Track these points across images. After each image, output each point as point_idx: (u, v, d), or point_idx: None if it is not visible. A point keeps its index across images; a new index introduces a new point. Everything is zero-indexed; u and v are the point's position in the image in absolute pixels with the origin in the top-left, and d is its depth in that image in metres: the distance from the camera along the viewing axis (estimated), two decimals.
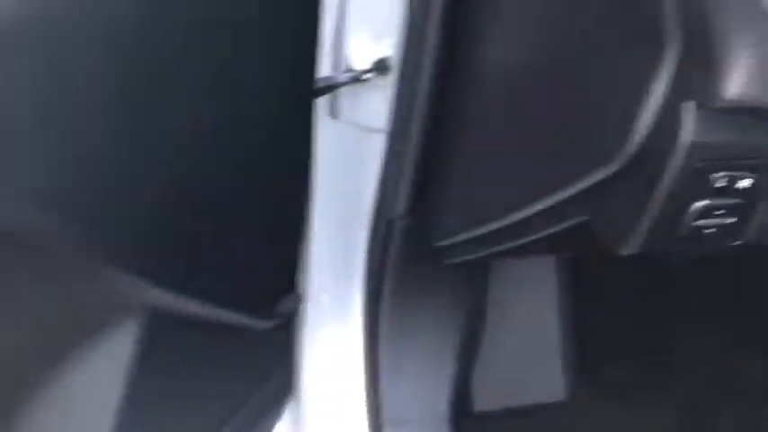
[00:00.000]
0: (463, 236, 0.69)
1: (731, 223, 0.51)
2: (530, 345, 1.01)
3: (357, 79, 0.68)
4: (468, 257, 0.70)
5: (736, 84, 0.42)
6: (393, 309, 0.80)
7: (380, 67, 0.69)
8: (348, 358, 0.82)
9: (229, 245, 0.58)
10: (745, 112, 0.44)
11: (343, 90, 0.71)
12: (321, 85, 0.67)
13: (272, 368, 0.73)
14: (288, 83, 0.60)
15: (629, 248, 0.51)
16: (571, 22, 0.53)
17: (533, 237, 0.61)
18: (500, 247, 0.66)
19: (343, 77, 0.68)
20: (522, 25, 0.58)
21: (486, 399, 0.97)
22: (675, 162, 0.47)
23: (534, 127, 0.58)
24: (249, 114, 0.56)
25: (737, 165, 0.48)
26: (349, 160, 0.76)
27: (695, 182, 0.48)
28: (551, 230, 0.59)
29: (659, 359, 1.01)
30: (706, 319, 1.02)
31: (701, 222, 0.50)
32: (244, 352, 0.67)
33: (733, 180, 0.48)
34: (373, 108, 0.71)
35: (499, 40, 0.61)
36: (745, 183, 0.49)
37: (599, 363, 1.01)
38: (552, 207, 0.57)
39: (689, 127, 0.45)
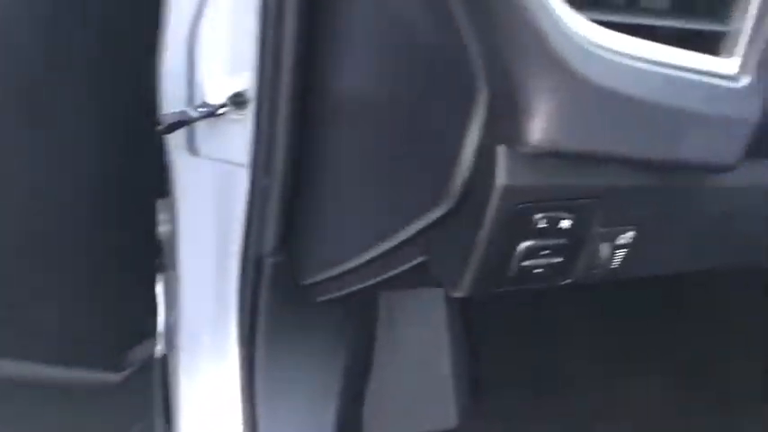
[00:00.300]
0: (326, 273, 0.68)
1: (558, 262, 0.51)
2: (421, 373, 1.01)
3: (213, 114, 0.67)
4: (334, 295, 0.70)
5: (538, 129, 0.43)
6: (268, 349, 0.78)
7: (237, 100, 0.68)
8: (226, 399, 0.80)
9: (69, 301, 0.56)
10: (557, 156, 0.45)
11: (200, 126, 0.70)
12: (174, 120, 0.65)
13: (132, 415, 0.70)
14: (127, 121, 0.59)
15: (461, 291, 0.51)
16: (402, 66, 0.53)
17: (386, 275, 0.61)
18: (360, 285, 0.65)
19: (198, 112, 0.67)
20: (361, 65, 0.58)
21: (377, 429, 0.96)
22: (494, 204, 0.47)
23: (378, 165, 0.58)
24: (82, 158, 0.54)
25: (556, 206, 0.49)
26: (217, 197, 0.75)
27: (518, 223, 0.49)
28: (400, 269, 0.59)
29: (546, 382, 1.03)
30: (591, 339, 1.05)
31: (528, 263, 0.51)
32: (97, 402, 0.64)
33: (554, 221, 0.49)
34: (234, 143, 0.70)
35: (346, 78, 0.61)
36: (565, 223, 0.49)
37: (489, 389, 1.01)
38: (394, 247, 0.57)
39: (502, 170, 0.46)
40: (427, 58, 0.50)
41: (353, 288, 0.66)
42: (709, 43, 0.46)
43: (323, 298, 0.72)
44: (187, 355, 0.80)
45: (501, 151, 0.46)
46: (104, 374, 0.60)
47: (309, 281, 0.72)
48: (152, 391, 0.70)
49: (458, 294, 0.52)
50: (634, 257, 0.54)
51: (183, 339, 0.80)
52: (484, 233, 0.49)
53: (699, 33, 0.45)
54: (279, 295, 0.77)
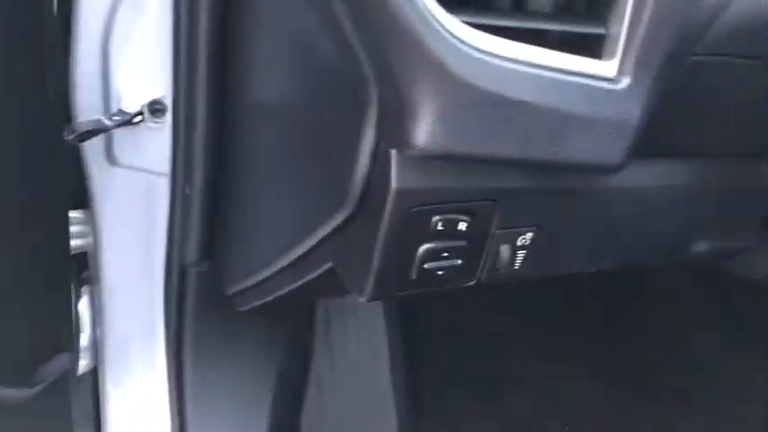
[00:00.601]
0: (246, 282, 0.68)
1: (459, 264, 0.52)
2: (360, 382, 1.01)
3: (128, 122, 0.67)
4: (255, 304, 0.69)
5: (423, 132, 0.43)
6: (196, 359, 0.78)
7: (154, 108, 0.68)
8: (155, 411, 0.79)
9: None
10: (445, 158, 0.46)
11: (118, 134, 0.69)
12: (86, 129, 0.65)
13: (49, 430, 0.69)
14: (39, 130, 0.58)
15: (365, 295, 0.52)
16: (303, 75, 0.54)
17: (300, 282, 0.61)
18: (277, 293, 0.65)
19: (113, 121, 0.66)
20: (268, 75, 0.58)
21: None
22: (390, 208, 0.48)
23: (286, 173, 0.59)
24: None
25: (453, 208, 0.49)
26: (139, 207, 0.74)
27: (416, 226, 0.50)
28: (312, 276, 0.59)
29: (488, 385, 1.04)
30: (532, 341, 1.06)
31: (430, 265, 0.52)
32: (12, 417, 0.63)
33: (452, 223, 0.50)
34: (153, 152, 0.69)
35: (256, 87, 0.61)
36: (463, 226, 0.50)
37: (430, 395, 1.02)
38: (304, 254, 0.57)
39: (395, 174, 0.47)
40: (324, 67, 0.50)
41: (271, 297, 0.66)
42: (593, 47, 0.47)
43: (245, 307, 0.72)
44: (115, 368, 0.79)
45: (394, 155, 0.47)
46: (14, 391, 0.59)
47: (232, 290, 0.71)
48: (69, 406, 0.68)
49: (362, 299, 0.52)
50: (535, 258, 0.55)
51: (111, 352, 0.79)
52: (382, 237, 0.49)
53: (585, 37, 0.47)
54: (205, 305, 0.76)
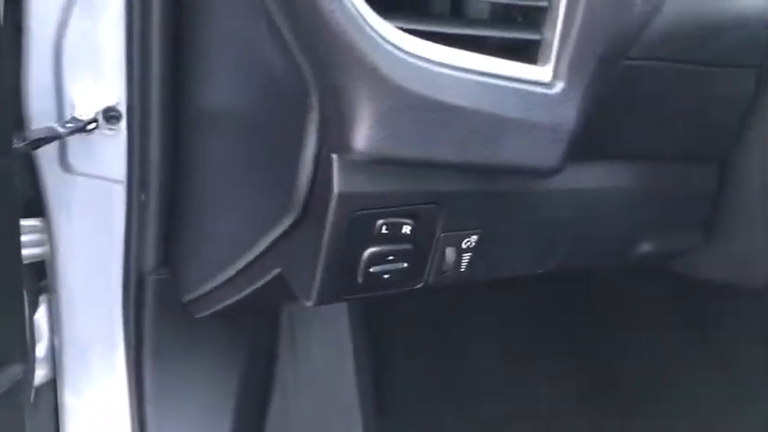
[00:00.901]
0: (201, 289, 0.68)
1: (405, 267, 0.53)
2: (326, 389, 1.01)
3: (83, 130, 0.66)
4: (210, 311, 0.69)
5: (361, 137, 0.44)
6: (156, 367, 0.77)
7: (109, 115, 0.68)
8: (115, 420, 0.79)
9: None
10: (384, 162, 0.46)
11: (72, 141, 0.69)
12: (39, 136, 0.64)
13: None
14: None
15: (312, 300, 0.52)
16: (250, 82, 0.54)
17: (252, 288, 0.62)
18: (231, 300, 0.65)
19: (66, 128, 0.66)
20: (218, 81, 0.59)
21: None
22: (333, 212, 0.48)
23: (237, 179, 0.59)
24: None
25: (396, 212, 0.50)
26: (95, 214, 0.74)
27: (360, 230, 0.50)
28: (263, 282, 0.59)
29: (456, 388, 1.04)
30: (500, 343, 1.07)
31: (376, 269, 0.52)
32: None
33: (396, 227, 0.50)
34: (108, 159, 0.69)
35: (207, 93, 0.61)
36: (407, 229, 0.51)
37: (398, 401, 1.02)
38: (254, 260, 0.57)
39: (337, 179, 0.47)
40: (268, 73, 0.51)
41: (225, 304, 0.66)
42: (530, 52, 0.48)
43: (201, 314, 0.72)
44: (74, 378, 0.79)
45: (335, 160, 0.48)
46: None
47: (188, 297, 0.71)
48: (22, 418, 0.68)
49: (309, 304, 0.52)
50: (481, 260, 0.55)
51: (70, 362, 0.78)
52: (327, 241, 0.50)
53: (521, 43, 0.48)
54: (164, 312, 0.76)
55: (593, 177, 0.56)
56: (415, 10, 0.46)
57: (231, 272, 0.62)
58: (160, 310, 0.76)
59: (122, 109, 0.68)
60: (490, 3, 0.47)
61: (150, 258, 0.73)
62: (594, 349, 1.07)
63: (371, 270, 0.52)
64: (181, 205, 0.69)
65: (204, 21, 0.59)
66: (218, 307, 0.70)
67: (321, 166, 0.48)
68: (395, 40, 0.43)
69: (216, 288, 0.66)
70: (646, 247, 0.63)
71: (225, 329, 0.83)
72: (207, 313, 0.72)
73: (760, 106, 0.58)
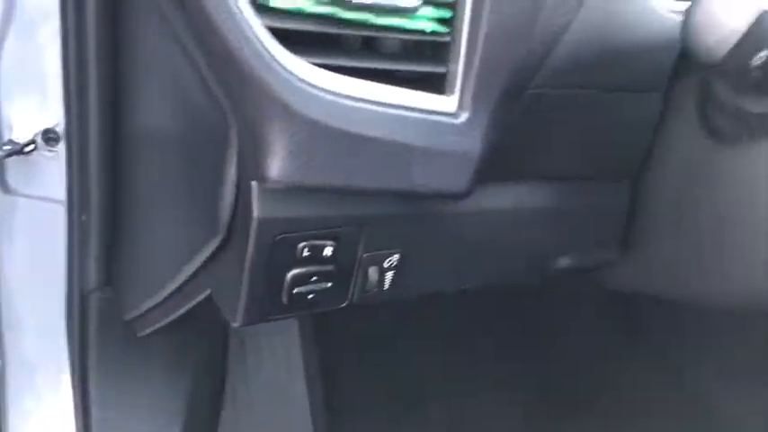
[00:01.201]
0: (140, 308, 0.69)
1: (329, 287, 0.55)
2: (276, 401, 1.02)
3: (20, 152, 0.67)
4: (149, 330, 0.71)
5: (275, 166, 0.46)
6: (102, 385, 0.78)
7: (48, 137, 0.69)
8: None
9: None
10: (299, 189, 0.48)
11: (11, 162, 0.70)
12: None
13: None
14: None
15: (238, 320, 0.54)
16: (177, 110, 0.56)
17: (184, 308, 0.63)
18: (166, 320, 0.67)
19: (3, 150, 0.66)
20: (150, 106, 0.60)
21: None
22: (253, 236, 0.50)
23: (169, 201, 0.61)
24: None
25: (317, 235, 0.52)
26: (36, 235, 0.75)
27: (281, 253, 0.52)
28: (194, 302, 0.61)
29: (404, 400, 1.06)
30: (447, 354, 1.09)
31: (300, 289, 0.54)
32: None
33: (317, 249, 0.53)
34: (49, 180, 0.70)
35: (141, 114, 0.63)
36: (328, 251, 0.53)
37: (348, 412, 1.04)
38: (186, 281, 0.59)
39: (256, 204, 0.49)
40: (192, 102, 0.53)
41: (165, 321, 0.68)
42: (438, 84, 0.50)
43: (144, 332, 0.73)
44: (19, 400, 0.79)
45: (254, 186, 0.50)
46: None
47: (130, 315, 0.73)
48: None
49: (236, 324, 0.54)
50: (403, 279, 0.58)
51: (14, 382, 0.79)
52: (249, 264, 0.51)
53: (431, 75, 0.50)
54: (108, 331, 0.77)
55: (508, 198, 0.59)
56: (330, 45, 0.49)
57: (167, 291, 0.64)
58: (104, 329, 0.77)
59: (61, 130, 0.69)
60: (400, 39, 0.49)
61: (92, 277, 0.74)
62: (536, 355, 1.10)
63: (296, 291, 0.54)
64: (120, 225, 0.71)
65: (138, 47, 0.60)
66: (159, 324, 0.71)
67: (242, 191, 0.50)
68: (306, 76, 0.45)
69: (156, 306, 0.68)
70: (565, 263, 0.66)
71: (171, 346, 0.84)
72: (149, 331, 0.73)
73: (665, 128, 0.61)
